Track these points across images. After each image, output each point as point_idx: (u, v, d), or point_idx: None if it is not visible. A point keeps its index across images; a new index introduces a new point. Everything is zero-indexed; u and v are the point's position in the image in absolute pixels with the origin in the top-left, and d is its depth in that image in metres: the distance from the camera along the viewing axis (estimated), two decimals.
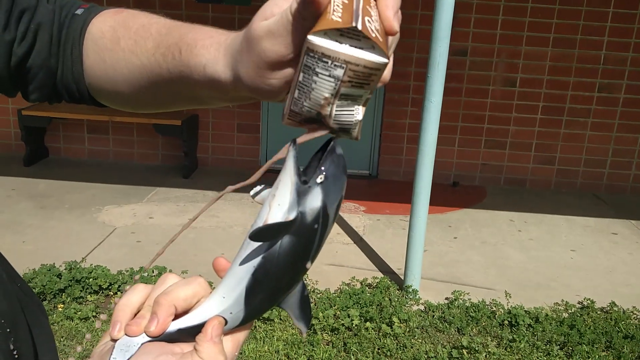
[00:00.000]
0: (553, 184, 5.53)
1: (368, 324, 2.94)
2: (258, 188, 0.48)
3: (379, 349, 2.79)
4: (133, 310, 0.49)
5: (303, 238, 0.46)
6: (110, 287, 3.13)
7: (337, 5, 0.40)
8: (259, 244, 0.46)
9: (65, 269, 3.23)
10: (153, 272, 3.28)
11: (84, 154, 5.70)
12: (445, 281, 3.53)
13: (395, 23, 0.42)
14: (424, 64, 2.98)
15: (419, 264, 3.30)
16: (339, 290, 3.29)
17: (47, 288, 3.01)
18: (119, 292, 3.12)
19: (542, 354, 2.81)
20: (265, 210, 0.46)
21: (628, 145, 5.39)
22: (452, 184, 5.52)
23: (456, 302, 3.19)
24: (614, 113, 5.31)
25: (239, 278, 0.47)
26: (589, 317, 3.11)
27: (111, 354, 0.46)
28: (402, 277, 3.40)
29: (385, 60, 0.41)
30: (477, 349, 2.77)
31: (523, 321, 3.00)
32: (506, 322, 3.03)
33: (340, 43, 0.40)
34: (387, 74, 0.45)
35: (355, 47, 0.41)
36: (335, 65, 0.41)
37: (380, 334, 2.89)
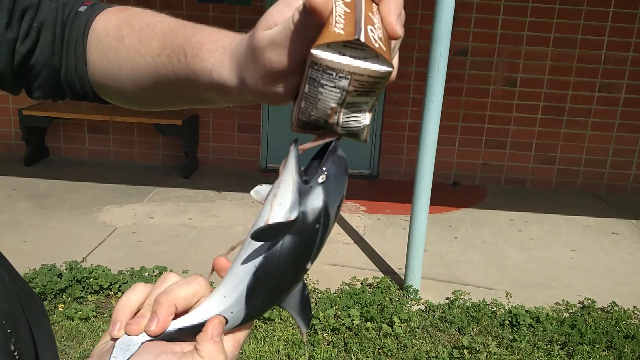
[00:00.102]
0: (553, 184, 5.53)
1: (369, 323, 2.94)
2: (259, 187, 0.48)
3: (379, 348, 2.79)
4: (133, 310, 0.49)
5: (304, 238, 0.46)
6: (110, 287, 3.13)
7: (339, 16, 0.40)
8: (260, 243, 0.46)
9: (65, 269, 3.23)
10: (154, 272, 3.28)
11: (85, 154, 5.70)
12: (446, 281, 3.53)
13: (398, 28, 0.42)
14: (425, 63, 2.98)
15: (420, 264, 3.30)
16: (339, 290, 3.29)
17: (47, 288, 3.01)
18: (119, 292, 3.12)
19: (543, 353, 2.81)
20: (267, 210, 0.46)
21: (628, 145, 5.38)
22: (453, 184, 5.52)
23: (457, 302, 3.19)
24: (615, 113, 5.31)
25: (240, 278, 0.47)
26: (590, 317, 3.11)
27: (111, 353, 0.45)
28: (403, 277, 3.40)
29: (389, 69, 0.41)
30: (477, 348, 2.77)
31: (524, 321, 3.00)
32: (507, 322, 3.03)
33: (344, 55, 0.41)
34: (393, 74, 0.44)
35: (359, 57, 0.41)
36: (340, 76, 0.41)
37: (381, 333, 2.89)
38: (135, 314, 0.48)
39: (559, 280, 3.63)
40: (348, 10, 0.41)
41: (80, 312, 2.90)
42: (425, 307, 3.18)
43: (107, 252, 3.65)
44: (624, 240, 4.35)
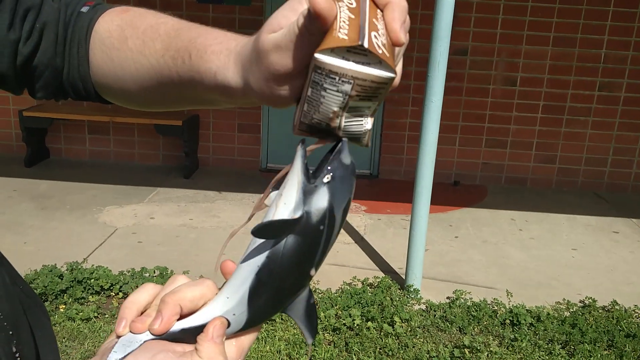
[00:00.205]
0: (554, 183, 5.53)
1: (370, 323, 2.94)
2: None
3: (380, 348, 2.79)
4: (140, 309, 0.49)
5: (308, 238, 0.45)
6: (111, 288, 3.13)
7: (344, 21, 0.41)
8: (264, 243, 0.46)
9: (66, 270, 3.23)
10: (154, 272, 3.28)
11: (85, 155, 5.70)
12: (447, 280, 3.53)
13: (402, 35, 0.42)
14: (425, 63, 2.98)
15: (420, 264, 3.30)
16: (340, 290, 3.29)
17: (48, 289, 3.01)
18: (120, 293, 3.12)
19: (544, 353, 2.81)
20: (272, 210, 0.46)
21: (629, 143, 5.38)
22: (453, 183, 5.52)
23: (458, 302, 3.19)
24: (615, 112, 5.31)
25: (243, 278, 0.47)
26: (591, 316, 3.11)
27: (112, 349, 0.46)
28: (404, 277, 3.40)
29: (392, 75, 0.42)
30: (478, 348, 2.77)
31: (525, 320, 3.00)
32: (508, 321, 3.03)
33: (347, 59, 0.41)
34: (396, 80, 0.45)
35: (362, 63, 0.41)
36: (342, 81, 0.41)
37: (382, 333, 2.89)
38: (142, 313, 0.49)
39: (560, 280, 3.63)
40: (352, 16, 0.41)
41: (81, 313, 2.90)
42: (426, 306, 3.18)
43: (108, 253, 3.65)
44: (624, 239, 4.35)
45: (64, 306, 2.99)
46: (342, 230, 3.58)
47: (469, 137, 5.43)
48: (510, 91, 5.29)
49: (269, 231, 0.45)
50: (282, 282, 0.47)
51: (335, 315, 2.99)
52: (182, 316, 0.48)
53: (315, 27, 0.41)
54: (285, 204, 0.45)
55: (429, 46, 2.95)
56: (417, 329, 2.94)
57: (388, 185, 5.38)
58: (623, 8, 5.03)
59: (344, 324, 2.91)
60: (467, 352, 2.76)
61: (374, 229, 4.29)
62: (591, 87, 5.25)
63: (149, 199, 4.70)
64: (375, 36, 0.41)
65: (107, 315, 2.95)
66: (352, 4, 0.42)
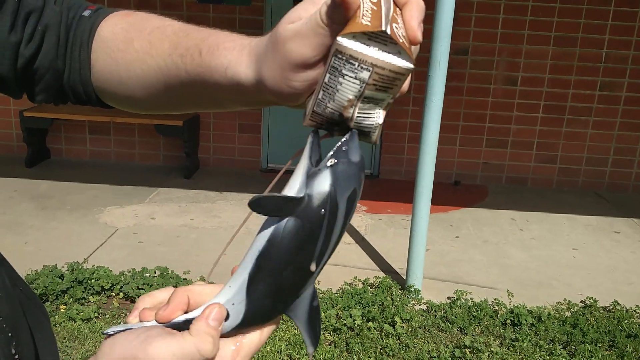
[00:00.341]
0: (555, 183, 5.52)
1: (370, 323, 2.93)
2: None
3: (381, 348, 2.79)
4: (154, 303, 0.50)
5: (308, 223, 0.45)
6: (112, 288, 3.13)
7: (367, 11, 0.42)
8: (268, 230, 0.46)
9: (67, 270, 3.23)
10: (155, 272, 3.28)
11: (86, 155, 5.70)
12: (447, 280, 3.53)
13: (419, 33, 0.43)
14: (425, 63, 2.97)
15: (421, 264, 3.29)
16: (341, 290, 3.28)
17: (49, 289, 3.01)
18: (121, 293, 3.12)
19: (544, 353, 2.81)
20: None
21: (630, 143, 5.38)
22: (454, 183, 5.52)
23: (458, 302, 3.19)
24: (616, 111, 5.30)
25: (244, 265, 0.48)
26: (592, 316, 3.11)
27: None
28: (404, 277, 3.40)
29: (410, 65, 0.43)
30: (479, 348, 2.77)
31: (525, 320, 2.99)
32: (508, 321, 3.03)
33: (368, 46, 0.42)
34: (405, 84, 0.46)
35: (383, 51, 0.42)
36: (362, 67, 0.42)
37: (383, 333, 2.89)
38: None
39: (561, 280, 3.62)
40: (375, 8, 0.42)
41: (82, 313, 2.90)
42: (427, 306, 3.18)
43: (109, 253, 3.65)
44: (625, 239, 4.35)
45: (64, 306, 2.99)
46: None
47: (470, 137, 5.43)
48: (511, 91, 5.29)
49: (265, 204, 0.45)
50: (279, 269, 0.47)
51: (336, 315, 2.99)
52: (190, 310, 0.48)
53: (338, 15, 0.42)
54: (290, 187, 0.46)
55: (430, 46, 2.95)
56: (418, 329, 2.94)
57: (389, 185, 5.38)
58: (624, 7, 5.02)
59: (345, 324, 2.91)
60: (468, 353, 2.76)
61: (375, 229, 4.29)
62: (592, 87, 5.25)
63: (149, 199, 4.70)
64: (396, 27, 0.42)
65: (107, 316, 2.95)
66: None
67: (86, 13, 0.65)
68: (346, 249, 3.87)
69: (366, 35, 0.41)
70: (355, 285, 3.37)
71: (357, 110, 0.45)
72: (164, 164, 5.65)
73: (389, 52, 0.42)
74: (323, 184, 0.45)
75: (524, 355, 2.79)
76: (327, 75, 0.44)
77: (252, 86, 0.51)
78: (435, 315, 3.08)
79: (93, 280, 3.13)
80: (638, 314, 3.21)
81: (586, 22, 5.07)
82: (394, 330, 2.89)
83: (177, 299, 0.48)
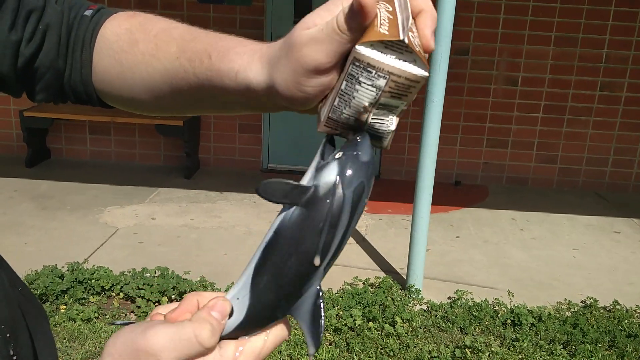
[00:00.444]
0: (555, 183, 5.52)
1: (371, 323, 2.93)
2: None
3: (381, 348, 2.79)
4: (167, 312, 0.52)
5: (312, 211, 0.45)
6: (112, 288, 3.13)
7: (384, 20, 0.43)
8: (276, 222, 0.47)
9: (67, 270, 3.23)
10: (155, 272, 3.28)
11: (86, 155, 5.70)
12: (448, 280, 3.53)
13: (432, 42, 0.45)
14: None
15: (422, 264, 3.29)
16: (341, 290, 3.28)
17: (49, 289, 3.01)
18: (121, 293, 3.12)
19: (545, 353, 2.81)
20: None
21: (630, 143, 5.37)
22: (454, 183, 5.51)
23: (459, 302, 3.19)
24: (616, 111, 5.30)
25: (252, 259, 0.48)
26: (592, 316, 3.10)
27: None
28: (405, 277, 3.40)
29: (426, 73, 0.44)
30: (480, 348, 2.77)
31: (526, 320, 2.99)
32: (509, 321, 3.03)
33: (385, 55, 0.43)
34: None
35: (399, 59, 0.43)
36: (378, 75, 0.43)
37: (383, 333, 2.89)
38: None
39: (561, 280, 3.62)
40: (391, 17, 0.43)
41: (82, 314, 2.90)
42: (428, 306, 3.18)
43: (109, 253, 3.65)
44: (625, 239, 4.35)
45: (64, 307, 2.99)
46: None
47: (470, 137, 5.42)
48: (512, 91, 5.29)
49: (273, 189, 0.46)
50: (283, 260, 0.47)
51: (337, 315, 2.98)
52: None
53: (356, 23, 0.43)
54: (301, 181, 0.47)
55: None
56: (419, 329, 2.94)
57: (389, 185, 5.38)
58: (624, 8, 5.02)
59: (345, 324, 2.91)
60: (468, 353, 2.76)
61: (375, 229, 4.29)
62: (592, 87, 5.24)
63: (150, 199, 4.70)
64: (412, 36, 0.43)
65: (107, 316, 2.95)
66: (389, 8, 0.44)
67: (88, 13, 0.64)
68: (347, 249, 3.86)
69: (383, 43, 0.42)
70: (355, 285, 3.37)
71: (371, 116, 0.46)
72: (164, 164, 5.65)
73: (405, 61, 0.43)
74: (330, 174, 0.46)
75: (525, 355, 2.78)
76: (344, 82, 0.45)
77: (263, 91, 0.50)
78: (436, 315, 3.08)
79: (93, 281, 3.13)
80: (638, 314, 3.21)
81: (587, 22, 5.07)
82: (395, 330, 2.89)
83: (187, 302, 0.49)
